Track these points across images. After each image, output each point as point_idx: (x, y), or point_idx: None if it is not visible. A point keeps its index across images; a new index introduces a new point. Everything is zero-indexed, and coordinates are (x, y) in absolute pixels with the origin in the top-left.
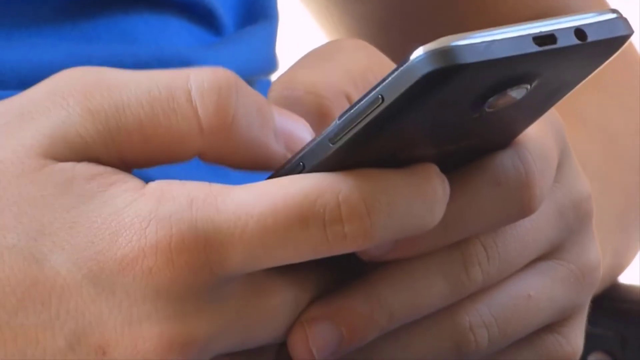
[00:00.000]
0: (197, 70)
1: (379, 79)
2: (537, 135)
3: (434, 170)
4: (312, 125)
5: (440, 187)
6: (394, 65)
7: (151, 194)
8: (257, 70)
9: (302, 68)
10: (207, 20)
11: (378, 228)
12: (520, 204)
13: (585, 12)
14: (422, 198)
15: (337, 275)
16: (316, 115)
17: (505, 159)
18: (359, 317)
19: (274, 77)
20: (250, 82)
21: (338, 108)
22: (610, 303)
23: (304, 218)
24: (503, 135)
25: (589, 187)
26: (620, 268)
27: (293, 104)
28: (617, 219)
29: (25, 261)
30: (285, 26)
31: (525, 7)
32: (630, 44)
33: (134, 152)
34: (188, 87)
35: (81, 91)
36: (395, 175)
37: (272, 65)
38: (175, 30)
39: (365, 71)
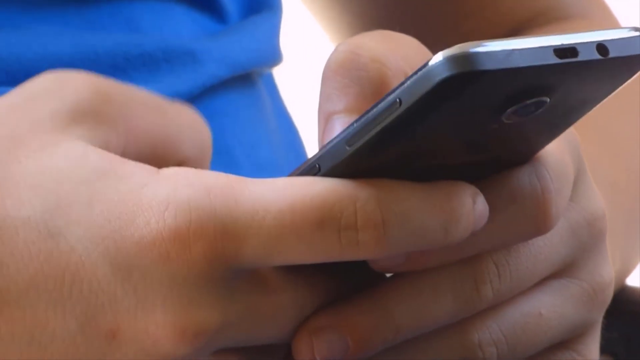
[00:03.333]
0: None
1: None
2: (555, 152)
3: (459, 189)
4: (369, 94)
5: (462, 207)
6: None
7: (167, 178)
8: (261, 61)
9: (369, 39)
10: (211, 7)
11: (390, 238)
12: (536, 223)
13: (608, 28)
14: (438, 215)
15: (346, 283)
16: (377, 83)
17: (522, 176)
18: (365, 329)
19: (276, 70)
20: (253, 74)
21: (397, 84)
22: (614, 305)
23: (320, 220)
24: (521, 150)
25: (603, 206)
26: (627, 272)
27: (356, 68)
28: (624, 224)
29: (40, 235)
30: (287, 20)
31: (523, 6)
32: None
33: (137, 149)
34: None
35: (92, 80)
36: (413, 188)
37: (276, 57)
38: (179, 18)
39: (420, 62)
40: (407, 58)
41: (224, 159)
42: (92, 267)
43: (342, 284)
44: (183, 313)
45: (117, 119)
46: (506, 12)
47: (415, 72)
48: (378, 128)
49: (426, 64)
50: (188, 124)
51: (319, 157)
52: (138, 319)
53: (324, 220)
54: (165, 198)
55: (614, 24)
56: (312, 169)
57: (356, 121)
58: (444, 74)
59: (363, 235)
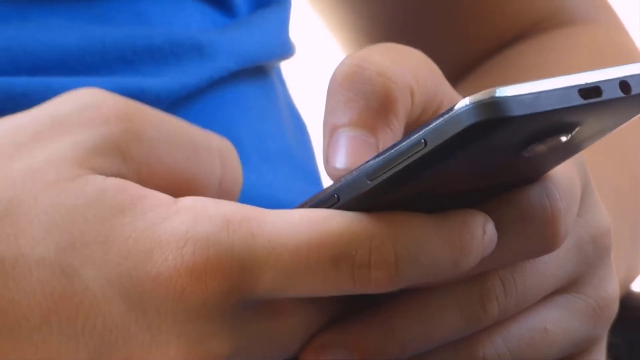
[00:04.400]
0: (217, 137)
1: (436, 86)
2: (564, 171)
3: (471, 221)
4: (374, 108)
5: (473, 240)
6: (445, 81)
7: (186, 211)
8: (271, 54)
9: (375, 52)
10: (220, 1)
11: (402, 275)
12: (545, 241)
13: (629, 63)
14: (449, 250)
15: (353, 300)
16: (382, 97)
17: (532, 195)
18: (372, 346)
19: (285, 63)
20: (266, 66)
21: (403, 98)
22: (618, 311)
23: (335, 258)
24: (533, 173)
25: (608, 221)
26: (632, 279)
27: (361, 82)
28: (629, 230)
29: (54, 275)
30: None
31: (529, 10)
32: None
33: (154, 187)
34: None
35: (123, 110)
36: (427, 224)
37: (287, 50)
38: (188, 11)
39: (426, 76)
40: (413, 72)
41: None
42: (106, 304)
43: (348, 301)
44: (195, 347)
45: (142, 159)
46: (512, 16)
47: (442, 115)
48: (401, 166)
49: (452, 108)
50: (216, 167)
51: (337, 188)
52: (151, 354)
53: (339, 258)
54: (184, 234)
55: (620, 28)
56: (331, 199)
57: (378, 156)
58: (471, 120)
59: (376, 273)
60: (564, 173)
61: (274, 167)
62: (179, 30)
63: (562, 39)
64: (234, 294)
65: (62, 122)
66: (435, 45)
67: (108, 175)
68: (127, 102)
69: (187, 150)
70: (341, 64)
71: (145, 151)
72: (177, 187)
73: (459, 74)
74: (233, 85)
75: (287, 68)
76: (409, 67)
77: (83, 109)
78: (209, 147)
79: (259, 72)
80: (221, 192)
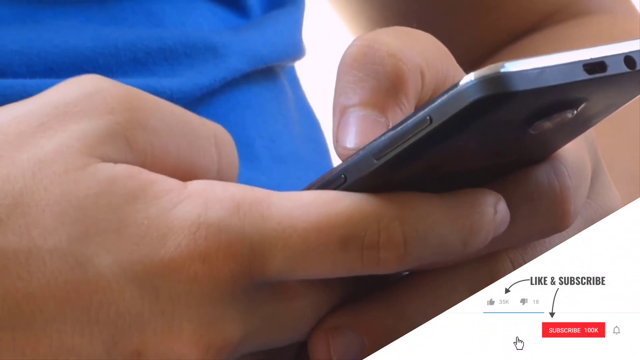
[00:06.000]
0: (211, 123)
1: (446, 70)
2: (573, 149)
3: (480, 200)
4: (384, 88)
5: (483, 219)
6: (456, 65)
7: (197, 196)
8: (283, 55)
9: (386, 34)
10: (233, 2)
11: (411, 255)
12: (554, 220)
13: (634, 38)
14: (458, 230)
15: (362, 282)
16: (393, 77)
17: (540, 174)
18: (382, 328)
19: (298, 64)
20: (276, 67)
21: (413, 79)
22: None
23: (344, 239)
24: (542, 151)
25: (619, 203)
26: None
27: (372, 62)
28: None
29: (67, 265)
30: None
31: (544, 0)
32: None
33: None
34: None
35: (126, 99)
36: (435, 203)
37: (298, 51)
38: (201, 12)
39: (436, 58)
40: (423, 54)
41: (243, 151)
42: (120, 291)
43: (358, 282)
44: (208, 330)
45: (147, 148)
46: (528, 6)
47: (447, 91)
48: (407, 143)
49: (457, 84)
50: (214, 155)
51: (344, 168)
52: (164, 339)
53: (348, 239)
54: (196, 219)
55: (636, 18)
56: (338, 179)
57: (384, 135)
58: (476, 95)
59: (384, 254)
60: (573, 152)
61: (285, 168)
62: (192, 31)
63: (577, 29)
64: (245, 277)
65: (67, 111)
66: (449, 36)
67: (116, 162)
68: (129, 90)
69: (189, 138)
70: (351, 45)
71: (150, 140)
72: (179, 176)
73: (472, 64)
74: (245, 87)
75: (301, 67)
76: (420, 50)
77: (86, 97)
78: (206, 134)
79: (269, 74)
80: (219, 179)
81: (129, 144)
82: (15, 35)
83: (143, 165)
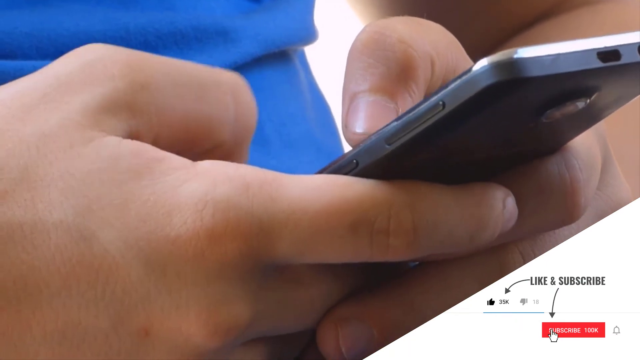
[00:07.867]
0: (225, 72)
1: (456, 60)
2: (583, 141)
3: (490, 194)
4: (395, 74)
5: (491, 213)
6: (466, 56)
7: (205, 174)
8: (295, 39)
9: (397, 21)
10: None
11: (419, 244)
12: (564, 212)
13: None
14: (466, 223)
15: (372, 272)
16: (403, 64)
17: (551, 166)
18: (391, 320)
19: (308, 51)
20: (289, 51)
21: (423, 66)
22: None
23: (354, 224)
24: (553, 142)
25: (629, 195)
26: None
27: (382, 49)
28: None
29: (72, 239)
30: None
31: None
32: None
33: (170, 135)
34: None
35: (126, 63)
36: (446, 195)
37: (310, 34)
38: None
39: (447, 48)
40: (434, 43)
41: (253, 135)
42: (125, 268)
43: (367, 273)
44: (216, 310)
45: (151, 109)
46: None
47: (460, 76)
48: (419, 129)
49: (470, 69)
50: (229, 103)
51: (356, 153)
52: (171, 317)
53: (358, 223)
54: (203, 196)
55: None
56: (350, 164)
57: (396, 120)
58: (489, 80)
59: (394, 240)
60: (583, 144)
61: (296, 152)
62: (203, 15)
63: (588, 16)
64: (252, 257)
65: (68, 82)
66: (459, 25)
67: (120, 133)
68: (130, 53)
69: (196, 90)
70: (362, 31)
71: (153, 100)
72: (192, 131)
73: (482, 53)
74: (256, 71)
75: (311, 54)
76: (430, 39)
77: (88, 66)
78: (218, 83)
79: (281, 57)
80: (237, 128)
81: (131, 110)
82: (26, 18)
83: (150, 126)
